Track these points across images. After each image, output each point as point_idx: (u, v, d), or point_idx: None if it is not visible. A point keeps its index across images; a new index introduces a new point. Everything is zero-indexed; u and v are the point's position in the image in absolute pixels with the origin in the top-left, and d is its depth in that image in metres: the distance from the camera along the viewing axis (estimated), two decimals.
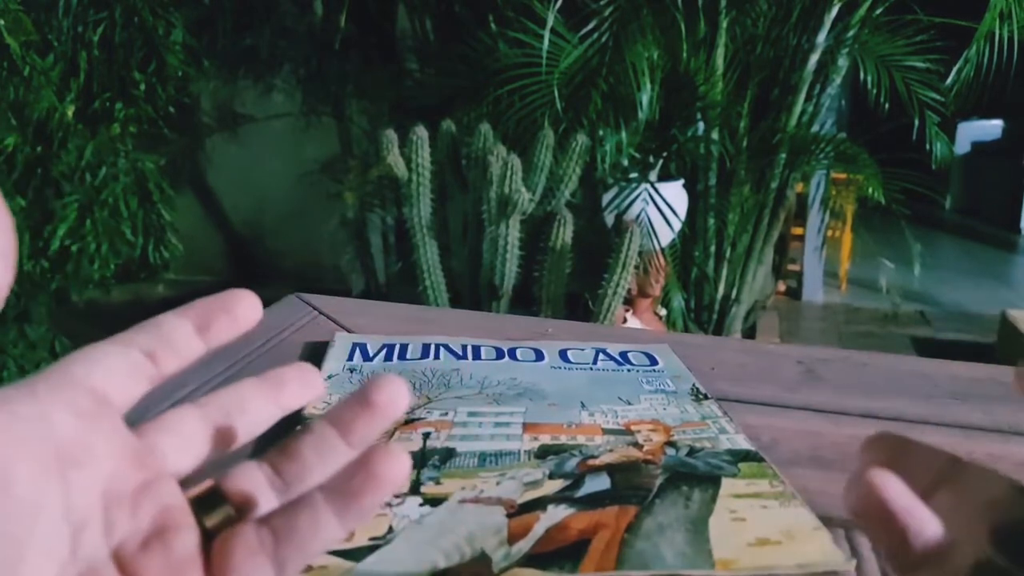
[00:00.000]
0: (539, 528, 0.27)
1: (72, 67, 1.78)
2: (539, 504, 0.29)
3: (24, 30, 1.58)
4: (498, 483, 0.30)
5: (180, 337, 0.19)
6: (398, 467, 0.17)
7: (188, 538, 0.17)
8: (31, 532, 0.14)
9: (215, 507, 0.18)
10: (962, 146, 4.44)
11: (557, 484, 0.30)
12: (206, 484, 0.18)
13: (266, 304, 0.57)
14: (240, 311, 0.20)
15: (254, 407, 0.20)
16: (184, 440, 0.19)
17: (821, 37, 1.87)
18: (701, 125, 1.91)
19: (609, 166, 1.72)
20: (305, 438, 0.19)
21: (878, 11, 1.85)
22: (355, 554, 0.26)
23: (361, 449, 0.18)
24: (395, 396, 0.19)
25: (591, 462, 0.32)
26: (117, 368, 0.18)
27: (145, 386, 0.18)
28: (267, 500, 0.18)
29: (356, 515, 0.17)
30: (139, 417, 0.19)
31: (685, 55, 1.80)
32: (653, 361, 0.44)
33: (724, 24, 1.84)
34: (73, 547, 0.15)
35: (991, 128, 4.52)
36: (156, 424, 0.19)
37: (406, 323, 0.53)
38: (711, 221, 2.01)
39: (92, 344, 0.18)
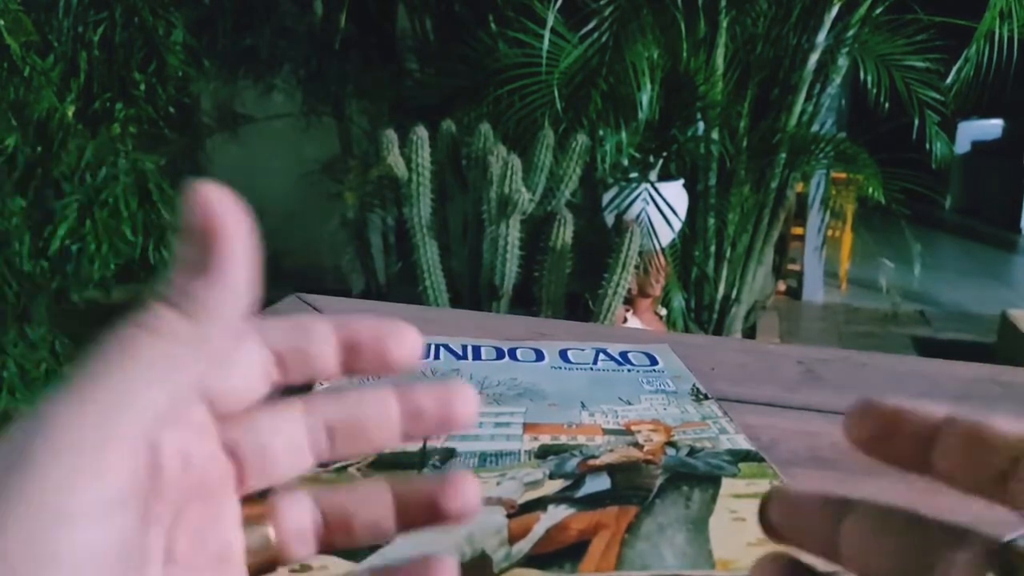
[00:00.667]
0: (539, 528, 0.27)
1: (72, 67, 1.78)
2: (539, 504, 0.29)
3: (24, 30, 1.58)
4: (498, 483, 0.30)
5: (327, 352, 0.17)
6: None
7: (239, 567, 0.15)
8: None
9: (260, 546, 0.16)
10: (962, 146, 4.44)
11: (557, 484, 0.30)
12: (259, 510, 0.16)
13: (267, 305, 0.57)
14: (403, 345, 0.17)
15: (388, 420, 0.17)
16: (284, 446, 0.16)
17: (821, 37, 1.87)
18: (701, 125, 1.91)
19: (609, 166, 1.72)
20: (359, 491, 0.17)
21: (878, 10, 1.85)
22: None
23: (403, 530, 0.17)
24: (469, 504, 0.17)
25: (591, 462, 0.32)
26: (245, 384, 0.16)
27: (266, 388, 0.16)
28: (307, 546, 0.17)
29: None
30: None
31: (685, 55, 1.80)
32: (653, 361, 0.44)
33: (724, 24, 1.84)
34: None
35: (991, 128, 4.52)
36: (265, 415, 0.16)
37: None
38: (711, 221, 2.01)
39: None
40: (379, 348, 0.17)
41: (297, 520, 0.16)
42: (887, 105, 1.84)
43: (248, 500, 0.16)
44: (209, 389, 0.15)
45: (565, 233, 1.47)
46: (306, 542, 0.17)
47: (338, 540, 0.17)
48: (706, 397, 0.39)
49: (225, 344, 0.14)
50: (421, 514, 0.17)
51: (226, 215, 0.13)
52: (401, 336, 0.17)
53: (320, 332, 0.17)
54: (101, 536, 0.12)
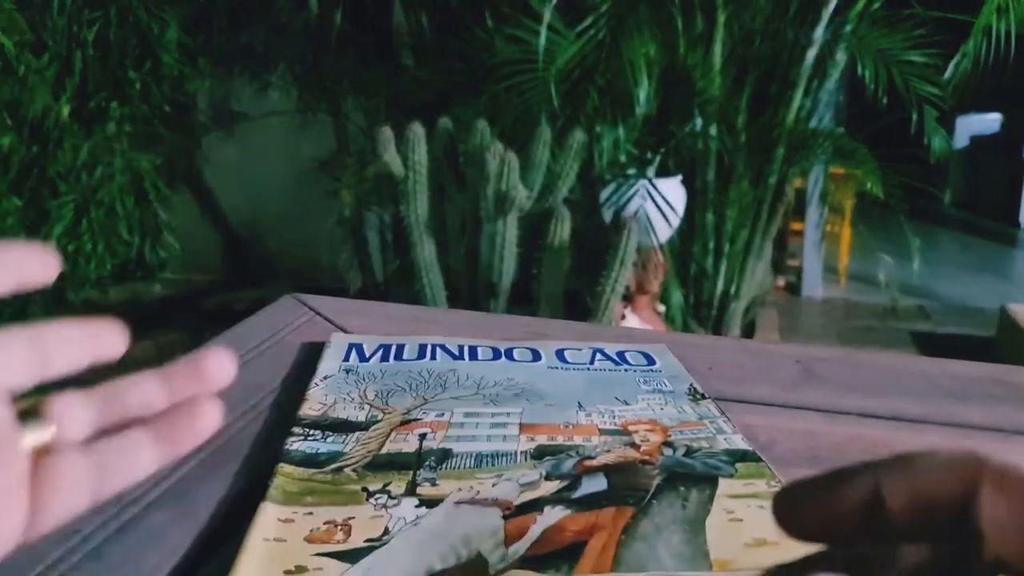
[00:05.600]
0: (536, 530, 0.27)
1: (67, 66, 1.78)
2: (536, 505, 0.29)
3: (18, 29, 1.57)
4: (495, 484, 0.30)
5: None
6: (214, 419, 0.19)
7: (20, 456, 0.17)
8: None
9: (36, 427, 0.18)
10: (961, 140, 4.44)
11: (554, 485, 0.30)
12: (29, 402, 0.18)
13: (262, 305, 0.56)
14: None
15: (75, 348, 0.20)
16: (9, 362, 0.18)
17: (819, 32, 1.86)
18: (699, 121, 1.90)
19: (607, 162, 1.72)
20: (132, 383, 0.20)
21: (876, 5, 1.85)
22: (351, 556, 0.26)
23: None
24: (224, 369, 0.20)
25: (588, 463, 0.32)
26: None
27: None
28: (84, 429, 0.19)
29: (172, 457, 0.19)
30: None
31: (682, 50, 1.79)
32: (650, 361, 0.44)
33: (722, 19, 1.83)
34: None
35: (990, 122, 4.51)
36: None
37: (403, 323, 0.53)
38: (710, 217, 2.01)
39: None
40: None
41: (69, 403, 0.19)
42: (885, 100, 1.83)
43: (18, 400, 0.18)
44: None
45: (563, 230, 1.47)
46: (81, 422, 0.19)
47: (113, 414, 0.19)
48: (703, 397, 0.39)
49: None
50: (186, 383, 0.20)
51: None
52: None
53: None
54: None
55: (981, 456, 0.14)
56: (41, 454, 0.18)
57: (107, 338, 0.20)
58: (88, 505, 0.18)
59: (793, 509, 0.16)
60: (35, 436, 0.18)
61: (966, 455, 0.14)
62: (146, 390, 0.20)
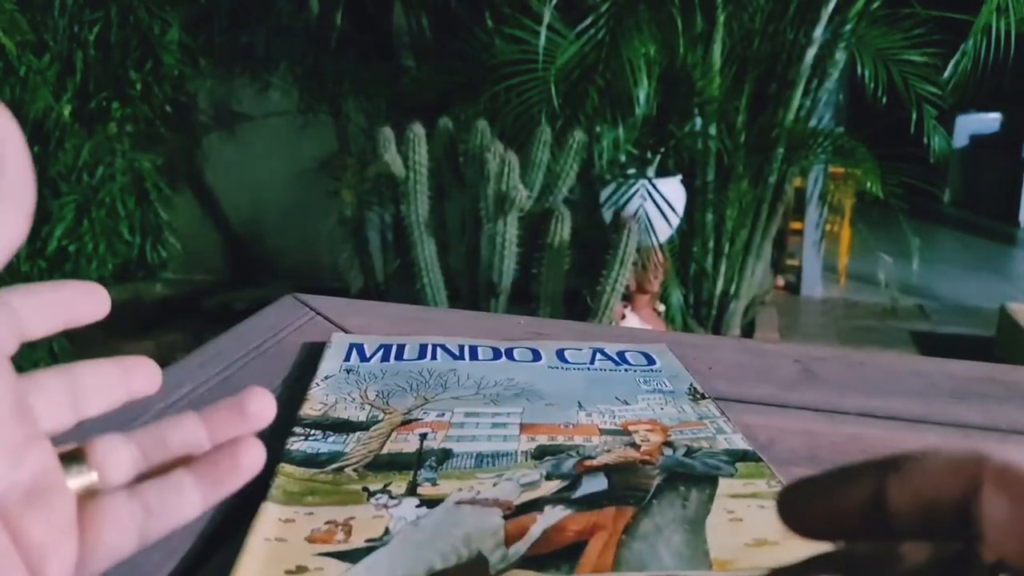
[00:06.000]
0: (536, 529, 0.27)
1: (68, 67, 1.78)
2: (536, 505, 0.29)
3: (20, 30, 1.58)
4: (495, 484, 0.30)
5: (48, 307, 0.19)
6: (258, 459, 0.19)
7: (68, 500, 0.17)
8: None
9: (80, 471, 0.18)
10: (960, 139, 4.44)
11: (554, 485, 0.30)
12: (71, 446, 0.18)
13: (263, 305, 0.56)
14: (99, 301, 0.20)
15: (110, 387, 0.20)
16: (49, 403, 0.18)
17: (818, 31, 1.86)
18: (699, 120, 1.90)
19: (607, 162, 1.72)
20: (173, 424, 0.20)
21: (875, 5, 1.85)
22: (352, 555, 0.26)
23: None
24: (265, 409, 0.21)
25: (588, 463, 0.32)
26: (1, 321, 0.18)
27: (17, 343, 0.18)
28: (127, 472, 0.19)
29: (216, 498, 0.19)
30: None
31: (682, 50, 1.79)
32: (650, 361, 0.44)
33: (721, 19, 1.83)
34: None
35: (989, 121, 4.52)
36: (27, 380, 0.18)
37: (403, 323, 0.53)
38: (709, 216, 2.01)
39: None
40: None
41: (111, 445, 0.19)
42: (885, 99, 1.83)
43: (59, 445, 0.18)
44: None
45: (563, 230, 1.47)
46: (123, 464, 0.19)
47: (155, 456, 0.19)
48: (703, 397, 0.39)
49: (13, 214, 0.15)
50: (227, 423, 0.20)
51: None
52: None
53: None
54: None
55: (983, 455, 0.14)
56: (86, 498, 0.18)
57: (141, 376, 0.20)
58: (135, 548, 0.18)
59: (796, 507, 0.16)
60: (79, 480, 0.18)
61: (968, 454, 0.14)
62: (188, 430, 0.20)
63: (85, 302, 0.20)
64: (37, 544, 0.16)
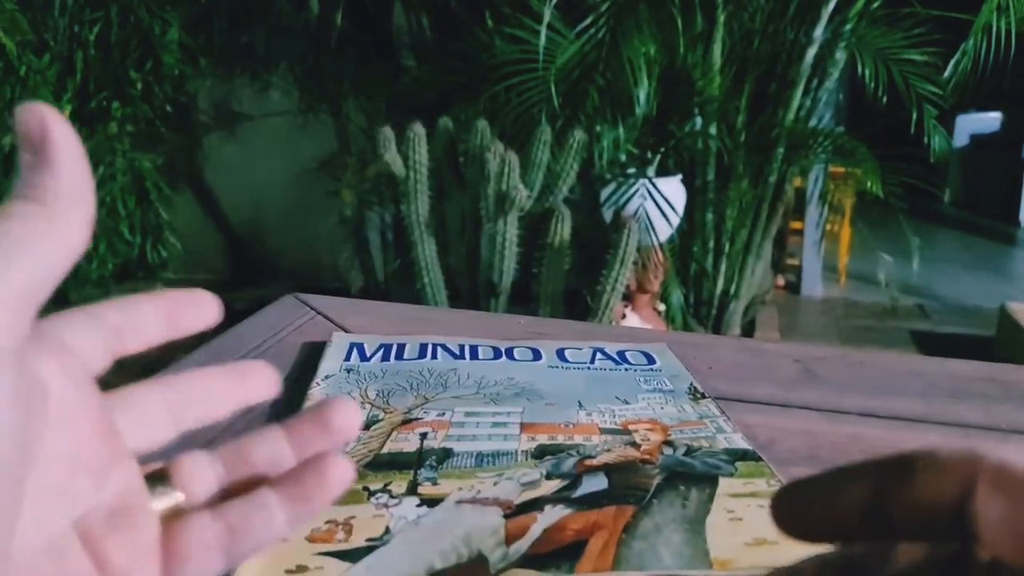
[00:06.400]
0: (536, 529, 0.27)
1: (68, 66, 1.78)
2: (536, 504, 0.29)
3: (20, 30, 1.57)
4: (495, 483, 0.30)
5: (148, 320, 0.19)
6: (345, 475, 0.19)
7: (152, 521, 0.17)
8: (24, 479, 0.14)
9: (164, 492, 0.17)
10: (960, 139, 4.44)
11: (554, 484, 0.30)
12: (156, 467, 0.18)
13: (263, 304, 0.56)
14: (206, 307, 0.20)
15: (216, 396, 0.20)
16: (143, 419, 0.18)
17: (818, 31, 1.86)
18: (699, 120, 1.90)
19: (607, 162, 1.72)
20: (256, 440, 0.19)
21: (875, 4, 1.85)
22: (352, 555, 0.26)
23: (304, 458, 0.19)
24: (351, 421, 0.20)
25: (588, 462, 0.32)
26: (90, 337, 0.17)
27: (109, 359, 0.18)
28: (211, 491, 0.18)
29: (304, 516, 0.18)
30: None
31: (682, 50, 1.79)
32: (651, 360, 0.44)
33: (721, 18, 1.83)
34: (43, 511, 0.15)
35: (989, 121, 4.51)
36: (117, 397, 0.18)
37: (403, 323, 0.53)
38: (709, 216, 2.01)
39: (61, 311, 0.17)
40: (194, 307, 0.19)
41: (196, 463, 0.18)
42: (885, 99, 1.83)
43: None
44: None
45: (563, 230, 1.47)
46: (208, 482, 0.18)
47: (238, 473, 0.19)
48: (703, 396, 0.39)
49: (75, 219, 0.15)
50: (312, 437, 0.19)
51: (51, 119, 0.15)
52: (205, 296, 0.19)
53: (142, 303, 0.19)
54: None
55: (979, 454, 0.14)
56: (171, 518, 0.17)
57: (258, 382, 0.20)
58: (222, 569, 0.17)
59: (792, 509, 0.16)
60: (164, 501, 0.17)
61: (964, 454, 0.14)
62: (272, 446, 0.19)
63: (190, 311, 0.19)
64: (120, 568, 0.16)
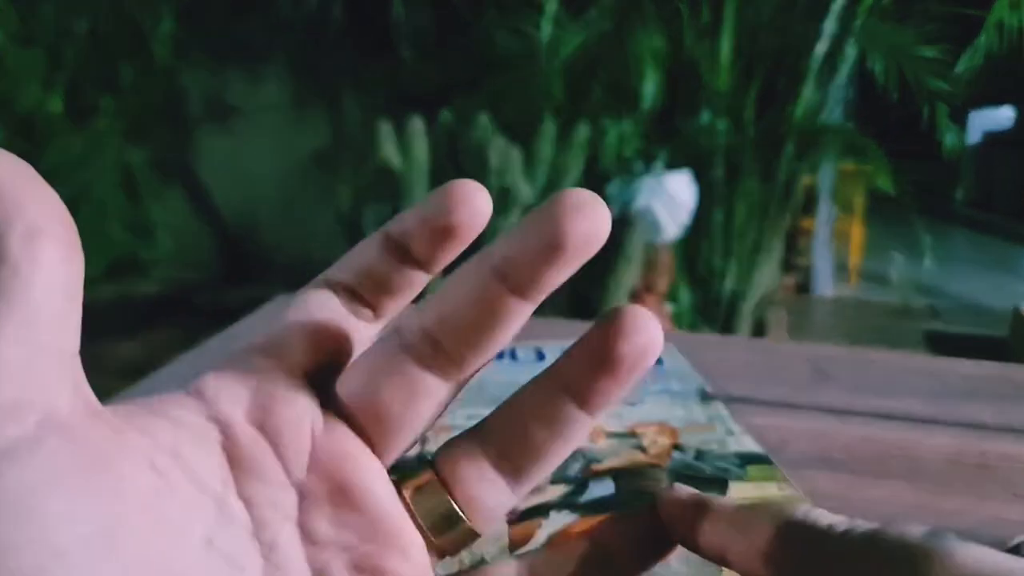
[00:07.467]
0: (541, 535, 0.26)
1: (58, 59, 1.77)
2: (541, 510, 0.28)
3: (8, 21, 1.56)
4: None
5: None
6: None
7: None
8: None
9: (450, 524, 0.13)
10: (974, 136, 4.39)
11: (560, 490, 0.29)
12: (425, 477, 0.13)
13: (257, 302, 0.55)
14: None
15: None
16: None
17: (828, 25, 1.84)
18: (706, 115, 1.89)
19: (612, 158, 1.71)
20: (526, 400, 0.14)
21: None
22: None
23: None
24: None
25: (595, 467, 0.31)
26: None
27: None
28: (496, 499, 0.13)
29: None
30: None
31: (689, 43, 1.78)
32: (658, 361, 0.43)
33: (729, 11, 1.81)
34: None
35: (1003, 117, 4.46)
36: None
37: None
38: (718, 214, 2.00)
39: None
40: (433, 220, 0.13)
41: (477, 469, 0.13)
42: (896, 95, 1.81)
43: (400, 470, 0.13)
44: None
45: None
46: (498, 489, 0.13)
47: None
48: (712, 398, 0.38)
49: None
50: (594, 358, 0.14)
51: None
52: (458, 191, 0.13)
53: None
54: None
55: (945, 550, 0.11)
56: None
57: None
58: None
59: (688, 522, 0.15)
60: (445, 539, 0.13)
61: (926, 546, 0.11)
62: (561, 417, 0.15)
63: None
64: None
